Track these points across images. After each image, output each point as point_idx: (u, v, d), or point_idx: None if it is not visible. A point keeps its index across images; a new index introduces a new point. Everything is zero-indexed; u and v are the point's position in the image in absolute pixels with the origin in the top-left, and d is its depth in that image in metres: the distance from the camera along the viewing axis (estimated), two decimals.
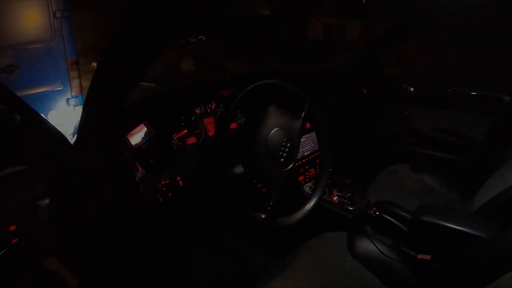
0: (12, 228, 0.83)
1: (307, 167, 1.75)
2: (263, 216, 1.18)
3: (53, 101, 3.30)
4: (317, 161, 1.75)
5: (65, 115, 3.37)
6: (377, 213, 1.43)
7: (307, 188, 1.70)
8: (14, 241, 0.84)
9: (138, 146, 1.29)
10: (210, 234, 1.97)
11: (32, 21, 3.05)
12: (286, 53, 6.94)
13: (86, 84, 3.56)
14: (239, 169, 1.18)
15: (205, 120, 1.51)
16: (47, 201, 0.93)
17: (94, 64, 10.26)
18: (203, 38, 8.85)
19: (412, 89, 2.24)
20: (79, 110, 3.47)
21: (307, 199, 1.34)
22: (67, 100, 3.40)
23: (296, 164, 1.58)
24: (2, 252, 0.81)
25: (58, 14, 3.14)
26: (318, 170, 1.73)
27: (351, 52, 2.42)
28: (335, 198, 1.62)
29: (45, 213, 0.93)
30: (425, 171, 1.97)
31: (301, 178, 1.71)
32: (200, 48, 8.99)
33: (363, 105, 2.38)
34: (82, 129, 1.04)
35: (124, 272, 1.17)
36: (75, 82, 3.39)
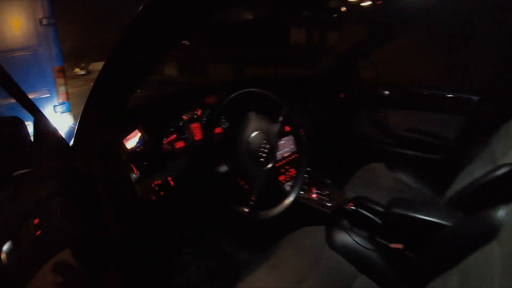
0: (36, 221, 0.90)
1: (287, 167, 1.86)
2: (246, 210, 1.29)
3: (40, 108, 3.24)
4: (297, 161, 1.84)
5: (52, 122, 3.32)
6: (353, 208, 1.53)
7: (287, 187, 1.79)
8: (38, 232, 0.90)
9: (133, 150, 1.40)
10: (198, 233, 2.04)
11: (18, 28, 3.05)
12: (268, 57, 7.00)
13: (71, 90, 3.56)
14: (223, 168, 1.28)
15: (191, 125, 1.62)
16: (59, 199, 1.00)
17: (77, 70, 10.13)
18: (186, 43, 8.80)
19: (387, 92, 2.35)
20: (66, 117, 3.47)
21: (286, 195, 1.45)
22: (54, 107, 3.39)
23: (277, 164, 1.69)
24: (30, 243, 0.88)
25: (44, 21, 3.15)
26: None
27: (332, 58, 2.52)
28: (314, 196, 1.73)
29: (59, 209, 1.00)
30: (399, 169, 2.05)
31: (282, 178, 1.81)
32: (183, 53, 8.95)
33: (341, 108, 2.48)
34: (81, 132, 1.09)
35: (117, 268, 1.23)
36: (62, 89, 3.38)
